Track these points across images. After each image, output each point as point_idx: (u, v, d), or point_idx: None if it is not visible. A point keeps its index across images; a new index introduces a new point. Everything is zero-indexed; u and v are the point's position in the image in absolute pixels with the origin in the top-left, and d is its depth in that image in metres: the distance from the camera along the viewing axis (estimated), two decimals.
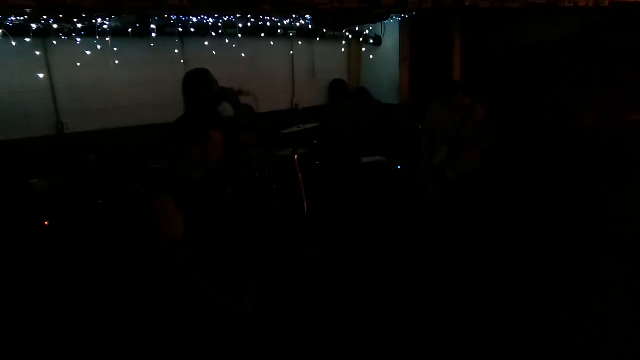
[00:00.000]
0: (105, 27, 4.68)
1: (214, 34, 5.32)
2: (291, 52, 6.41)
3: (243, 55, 5.79)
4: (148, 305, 3.25)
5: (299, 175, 3.64)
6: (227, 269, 2.34)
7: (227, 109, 3.42)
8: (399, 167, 6.02)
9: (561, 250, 4.23)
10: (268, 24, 5.69)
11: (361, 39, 6.73)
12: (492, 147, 4.23)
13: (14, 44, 4.30)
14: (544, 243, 4.36)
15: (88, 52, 4.81)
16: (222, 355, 2.31)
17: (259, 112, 4.20)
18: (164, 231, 2.14)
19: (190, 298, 2.20)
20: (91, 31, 4.62)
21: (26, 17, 4.24)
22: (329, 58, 6.83)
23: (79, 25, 4.53)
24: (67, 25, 4.50)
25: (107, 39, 4.76)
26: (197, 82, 3.25)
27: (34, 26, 4.37)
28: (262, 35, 5.72)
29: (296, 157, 3.74)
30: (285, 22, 5.83)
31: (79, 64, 4.85)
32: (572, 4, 4.64)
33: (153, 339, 2.96)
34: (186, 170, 2.30)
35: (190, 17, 5.07)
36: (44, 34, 4.49)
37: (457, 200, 4.18)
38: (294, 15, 5.63)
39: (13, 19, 4.23)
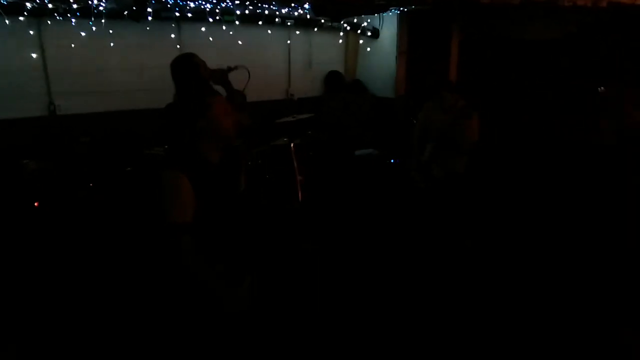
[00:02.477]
0: (101, 8, 4.62)
1: (211, 20, 5.28)
2: (288, 42, 6.38)
3: (240, 43, 5.75)
4: (141, 292, 3.25)
5: (295, 164, 3.62)
6: (230, 261, 2.29)
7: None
8: (392, 160, 6.02)
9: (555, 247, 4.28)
10: (266, 12, 5.66)
11: (359, 31, 6.71)
12: (479, 150, 4.29)
13: (7, 22, 4.24)
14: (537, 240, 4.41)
15: (83, 34, 4.75)
16: (218, 349, 2.28)
17: (254, 101, 4.16)
18: (173, 212, 2.01)
19: (189, 289, 2.15)
20: (86, 12, 4.56)
21: None
22: (326, 49, 6.80)
23: (75, 6, 4.48)
24: (62, 6, 4.44)
25: (103, 21, 4.70)
26: (184, 66, 3.21)
27: (28, 5, 4.31)
28: (260, 23, 5.69)
29: (292, 145, 3.72)
30: (283, 11, 5.80)
31: (73, 45, 4.78)
32: (571, 3, 4.64)
33: (147, 328, 2.95)
34: (207, 150, 2.20)
35: (188, 2, 5.02)
36: (38, 14, 4.42)
37: (444, 196, 4.23)
38: (292, 4, 5.59)
39: None
